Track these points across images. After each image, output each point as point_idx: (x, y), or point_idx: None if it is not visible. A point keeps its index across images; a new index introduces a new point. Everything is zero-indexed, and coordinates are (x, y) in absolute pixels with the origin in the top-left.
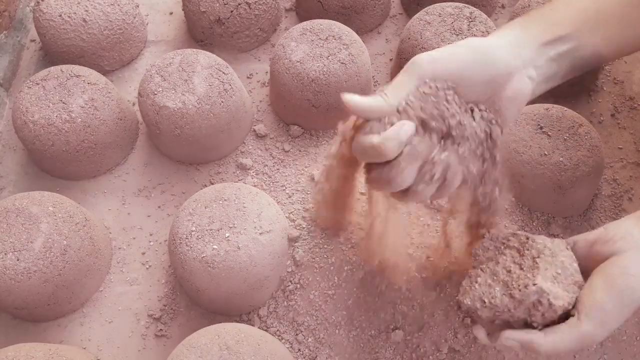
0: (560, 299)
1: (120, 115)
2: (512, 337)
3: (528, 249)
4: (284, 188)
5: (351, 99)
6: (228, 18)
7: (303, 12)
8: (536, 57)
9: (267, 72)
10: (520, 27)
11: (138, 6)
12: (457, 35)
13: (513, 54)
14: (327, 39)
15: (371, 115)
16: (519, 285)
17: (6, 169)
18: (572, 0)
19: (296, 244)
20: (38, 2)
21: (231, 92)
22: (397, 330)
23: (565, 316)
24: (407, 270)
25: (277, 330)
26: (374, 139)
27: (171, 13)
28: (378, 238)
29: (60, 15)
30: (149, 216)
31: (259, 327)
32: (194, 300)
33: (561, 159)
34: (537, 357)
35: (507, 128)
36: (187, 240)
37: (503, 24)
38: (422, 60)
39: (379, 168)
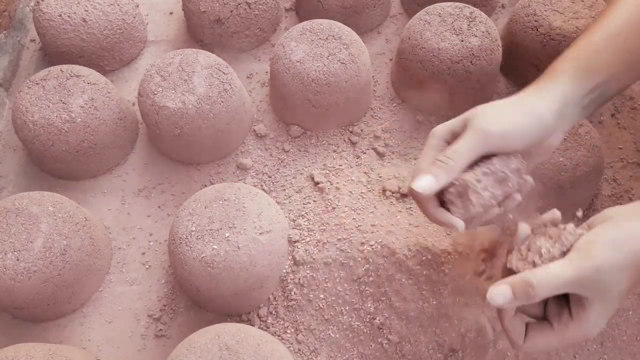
0: None
1: (120, 115)
2: (509, 280)
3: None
4: (284, 188)
5: (420, 186)
6: (228, 18)
7: (303, 12)
8: (574, 111)
9: (267, 72)
10: (568, 80)
11: (138, 6)
12: (457, 35)
13: (559, 116)
14: (327, 38)
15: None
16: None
17: (6, 169)
18: (606, 41)
19: (296, 244)
20: (38, 2)
21: (231, 92)
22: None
23: None
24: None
25: (277, 330)
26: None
27: (171, 13)
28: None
29: (60, 15)
30: (148, 216)
31: (259, 327)
32: (194, 300)
33: (561, 159)
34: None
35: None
36: (187, 240)
37: (503, 23)
38: (494, 135)
39: None
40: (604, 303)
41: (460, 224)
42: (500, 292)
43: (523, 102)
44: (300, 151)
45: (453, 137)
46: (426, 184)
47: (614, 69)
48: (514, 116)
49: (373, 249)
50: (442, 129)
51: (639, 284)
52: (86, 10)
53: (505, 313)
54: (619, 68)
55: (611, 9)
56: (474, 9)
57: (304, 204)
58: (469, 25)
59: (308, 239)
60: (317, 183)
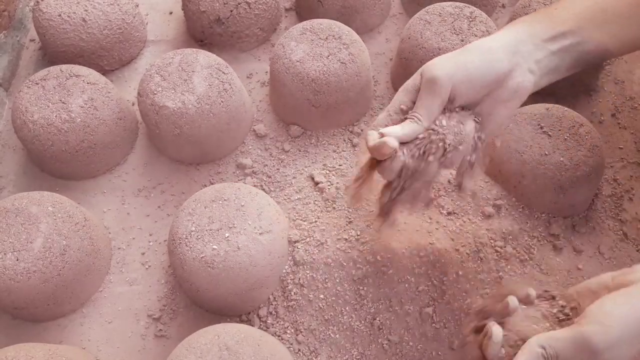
0: None
1: (120, 115)
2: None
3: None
4: (284, 188)
5: (390, 132)
6: (228, 18)
7: (303, 12)
8: (536, 52)
9: (267, 72)
10: (522, 25)
11: (138, 6)
12: (457, 34)
13: (513, 52)
14: (327, 38)
15: (410, 139)
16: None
17: (6, 169)
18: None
19: (296, 244)
20: (37, 2)
21: (231, 92)
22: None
23: None
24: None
25: (277, 330)
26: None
27: (171, 13)
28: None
29: (60, 15)
30: (148, 216)
31: (259, 327)
32: (194, 300)
33: (562, 159)
34: None
35: (509, 122)
36: (186, 240)
37: (503, 23)
38: (442, 80)
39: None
40: None
41: (392, 142)
42: None
43: (472, 44)
44: (300, 151)
45: (416, 86)
46: (395, 130)
47: (583, 21)
48: (462, 57)
49: (373, 249)
50: (404, 86)
51: None
52: (86, 10)
53: None
54: (589, 22)
55: None
56: (474, 8)
57: (304, 204)
58: (469, 25)
59: (308, 239)
60: (317, 183)
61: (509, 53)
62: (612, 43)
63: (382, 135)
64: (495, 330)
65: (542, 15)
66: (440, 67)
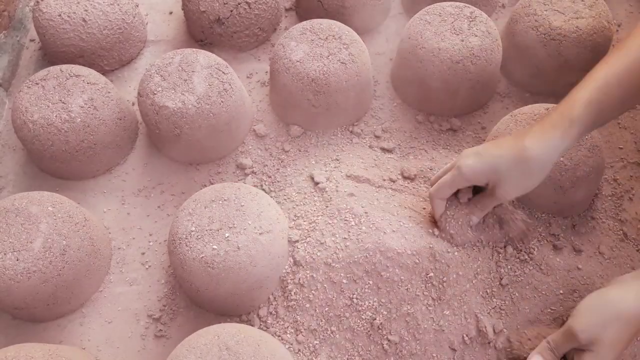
0: None
1: (120, 115)
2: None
3: None
4: (284, 188)
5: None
6: (228, 18)
7: (303, 12)
8: (572, 144)
9: (267, 72)
10: (576, 132)
11: (138, 6)
12: (457, 34)
13: (551, 161)
14: (327, 38)
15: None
16: None
17: (6, 169)
18: (619, 78)
19: (296, 244)
20: (37, 2)
21: (231, 92)
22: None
23: None
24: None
25: (277, 330)
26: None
27: (171, 13)
28: None
29: (60, 15)
30: (148, 216)
31: (259, 327)
32: (194, 300)
33: (561, 159)
34: None
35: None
36: (186, 240)
37: (503, 23)
38: (501, 199)
39: None
40: (599, 354)
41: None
42: None
43: (532, 165)
44: (300, 151)
45: (481, 182)
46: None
47: (620, 105)
48: (527, 182)
49: (373, 249)
50: (471, 175)
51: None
52: (86, 10)
53: None
54: (623, 103)
55: (625, 44)
56: (474, 8)
57: (304, 204)
58: (469, 25)
59: (308, 239)
60: (317, 183)
61: (547, 164)
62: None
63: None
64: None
65: (595, 108)
66: (511, 195)
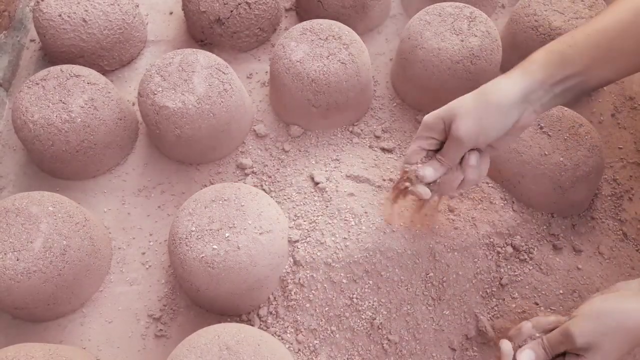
0: None
1: (120, 115)
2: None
3: None
4: (284, 188)
5: (425, 175)
6: (228, 18)
7: (303, 12)
8: (544, 97)
9: (267, 72)
10: (537, 71)
11: (138, 6)
12: (457, 34)
13: (524, 101)
14: (327, 38)
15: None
16: None
17: (6, 169)
18: (588, 36)
19: (296, 244)
20: (38, 2)
21: (231, 92)
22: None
23: None
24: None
25: (277, 330)
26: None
27: (171, 13)
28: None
29: (60, 15)
30: (148, 216)
31: (259, 327)
32: (194, 300)
33: (561, 159)
34: None
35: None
36: (186, 240)
37: (503, 23)
38: (466, 141)
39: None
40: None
41: (428, 193)
42: (526, 355)
43: (490, 98)
44: (300, 151)
45: (440, 128)
46: (430, 174)
47: (591, 61)
48: (484, 120)
49: (373, 249)
50: (430, 120)
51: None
52: (86, 10)
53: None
54: (596, 61)
55: (606, 9)
56: (474, 9)
57: (304, 204)
58: (469, 25)
59: (308, 239)
60: (317, 183)
61: (521, 103)
62: (614, 76)
63: (416, 176)
64: (505, 345)
65: (556, 56)
66: (465, 130)
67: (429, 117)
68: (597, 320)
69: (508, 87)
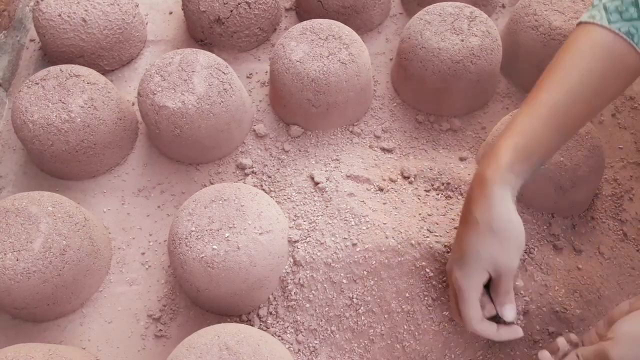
0: None
1: (120, 115)
2: None
3: None
4: (284, 188)
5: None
6: (228, 18)
7: (303, 12)
8: (519, 185)
9: (267, 72)
10: (509, 175)
11: (138, 6)
12: (457, 34)
13: (511, 209)
14: (327, 38)
15: None
16: None
17: (6, 169)
18: (542, 121)
19: (296, 244)
20: (37, 2)
21: (231, 92)
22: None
23: None
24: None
25: (277, 330)
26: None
27: (171, 13)
28: None
29: (60, 15)
30: (148, 216)
31: (259, 327)
32: (194, 300)
33: (561, 159)
34: None
35: None
36: (186, 240)
37: (503, 23)
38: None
39: None
40: None
41: (520, 332)
42: None
43: (506, 235)
44: (300, 151)
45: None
46: (512, 312)
47: (548, 145)
48: (516, 250)
49: (373, 249)
50: (474, 288)
51: None
52: (86, 10)
53: None
54: (556, 142)
55: (550, 76)
56: (474, 8)
57: (304, 204)
58: (469, 25)
59: (308, 239)
60: (317, 183)
61: (512, 218)
62: (563, 144)
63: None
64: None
65: (522, 153)
66: (512, 264)
67: (472, 283)
68: (633, 341)
69: (502, 209)
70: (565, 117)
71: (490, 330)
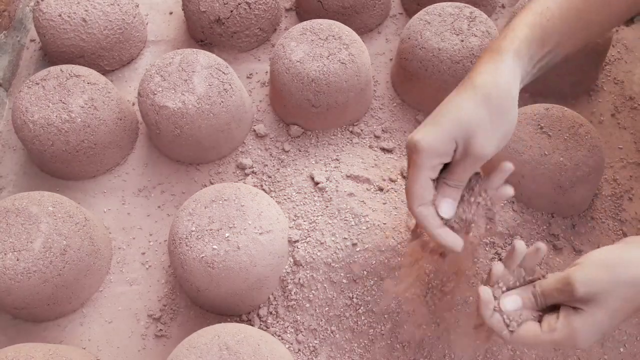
0: None
1: (120, 115)
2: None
3: None
4: (284, 188)
5: (445, 212)
6: (228, 18)
7: (303, 12)
8: (526, 79)
9: (267, 72)
10: (524, 53)
11: (138, 6)
12: (457, 34)
13: (514, 89)
14: (327, 38)
15: None
16: None
17: (6, 169)
18: (561, 9)
19: (296, 244)
20: (38, 2)
21: (231, 92)
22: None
23: None
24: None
25: (277, 330)
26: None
27: (171, 13)
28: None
29: (60, 15)
30: (148, 216)
31: (259, 327)
32: (194, 300)
33: (561, 159)
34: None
35: None
36: (186, 240)
37: (503, 23)
38: (484, 159)
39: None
40: (593, 317)
41: (460, 244)
42: (511, 300)
43: (501, 104)
44: (300, 151)
45: (451, 149)
46: (449, 209)
47: (561, 37)
48: (503, 130)
49: (373, 249)
50: (438, 144)
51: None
52: (86, 10)
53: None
54: (564, 36)
55: None
56: (474, 9)
57: (304, 204)
58: (469, 25)
59: (308, 239)
60: (317, 183)
61: (516, 97)
62: (572, 50)
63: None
64: (484, 292)
65: (538, 33)
66: (490, 147)
67: (435, 141)
68: (607, 269)
69: (509, 82)
70: (580, 15)
71: (429, 221)
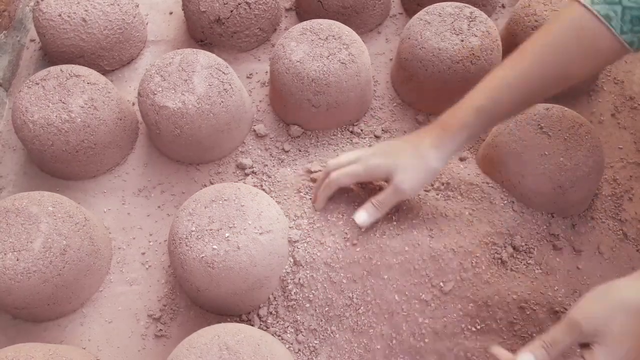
0: None
1: (120, 115)
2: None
3: None
4: (284, 188)
5: (363, 221)
6: (228, 18)
7: (303, 12)
8: (478, 134)
9: (267, 72)
10: (468, 132)
11: (138, 6)
12: (457, 34)
13: (443, 162)
14: (327, 38)
15: None
16: None
17: (6, 169)
18: (510, 87)
19: (296, 243)
20: (38, 2)
21: (231, 92)
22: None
23: None
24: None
25: (277, 330)
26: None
27: (171, 13)
28: None
29: (60, 15)
30: (148, 216)
31: (259, 327)
32: (194, 300)
33: (561, 159)
34: None
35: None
36: (186, 240)
37: (503, 23)
38: (405, 193)
39: None
40: (607, 347)
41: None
42: (525, 357)
43: (427, 163)
44: (300, 151)
45: (383, 176)
46: (365, 220)
47: (512, 109)
48: (421, 177)
49: (373, 248)
50: (377, 169)
51: None
52: (86, 10)
53: None
54: (517, 109)
55: (522, 48)
56: (474, 9)
57: (304, 204)
58: (469, 25)
59: (308, 239)
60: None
61: (438, 169)
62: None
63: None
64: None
65: (484, 115)
66: (409, 185)
67: (375, 164)
68: (600, 302)
69: (443, 154)
70: (532, 86)
71: (325, 189)
